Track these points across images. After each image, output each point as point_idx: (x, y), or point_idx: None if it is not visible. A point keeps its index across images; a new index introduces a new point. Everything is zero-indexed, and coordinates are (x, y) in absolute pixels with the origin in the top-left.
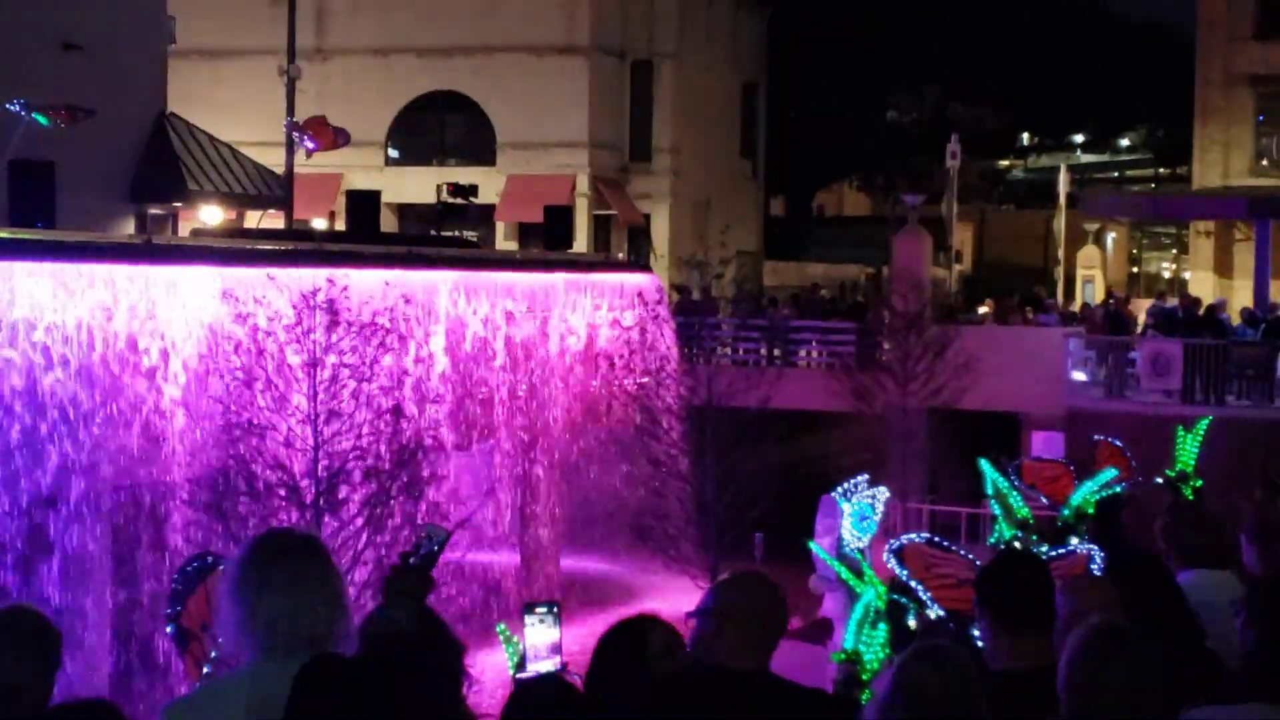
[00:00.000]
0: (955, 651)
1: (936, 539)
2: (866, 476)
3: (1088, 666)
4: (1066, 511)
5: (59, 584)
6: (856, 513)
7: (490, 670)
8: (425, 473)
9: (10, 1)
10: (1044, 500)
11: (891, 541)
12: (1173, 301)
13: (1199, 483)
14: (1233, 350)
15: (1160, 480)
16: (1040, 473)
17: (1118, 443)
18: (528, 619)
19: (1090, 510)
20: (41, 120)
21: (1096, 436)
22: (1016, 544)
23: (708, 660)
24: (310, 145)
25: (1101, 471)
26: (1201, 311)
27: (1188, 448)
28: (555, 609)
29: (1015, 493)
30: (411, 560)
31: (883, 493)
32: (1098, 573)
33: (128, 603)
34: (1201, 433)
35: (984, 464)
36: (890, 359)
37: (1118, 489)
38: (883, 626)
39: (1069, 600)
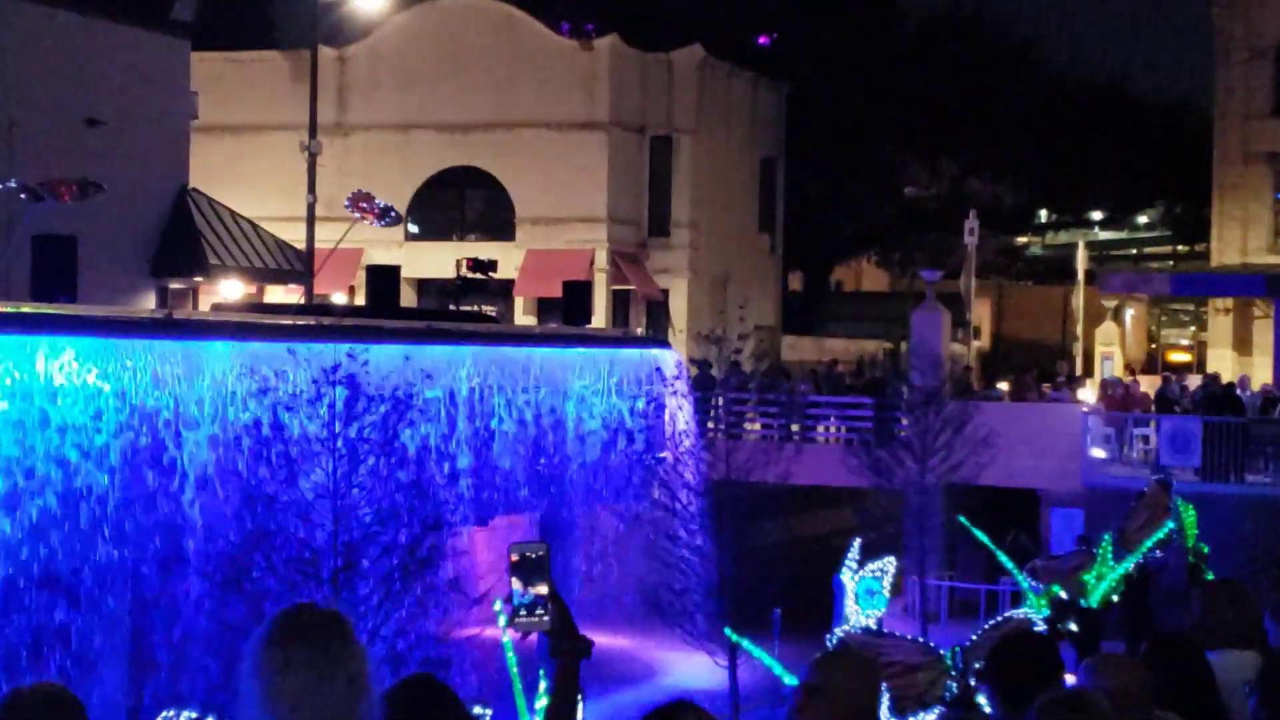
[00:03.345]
0: None
1: (882, 628)
2: (858, 545)
3: None
4: (1096, 597)
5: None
6: (863, 588)
7: None
8: (443, 548)
9: (34, 77)
10: (1064, 597)
11: (832, 635)
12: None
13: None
14: (1252, 428)
15: (1188, 559)
16: (1057, 570)
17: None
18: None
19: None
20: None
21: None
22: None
23: None
24: (376, 223)
25: (1129, 557)
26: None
27: (1189, 523)
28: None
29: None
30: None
31: (890, 564)
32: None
33: (144, 676)
34: (1189, 510)
35: (991, 545)
36: (909, 434)
37: (1157, 553)
38: None
39: (1094, 680)
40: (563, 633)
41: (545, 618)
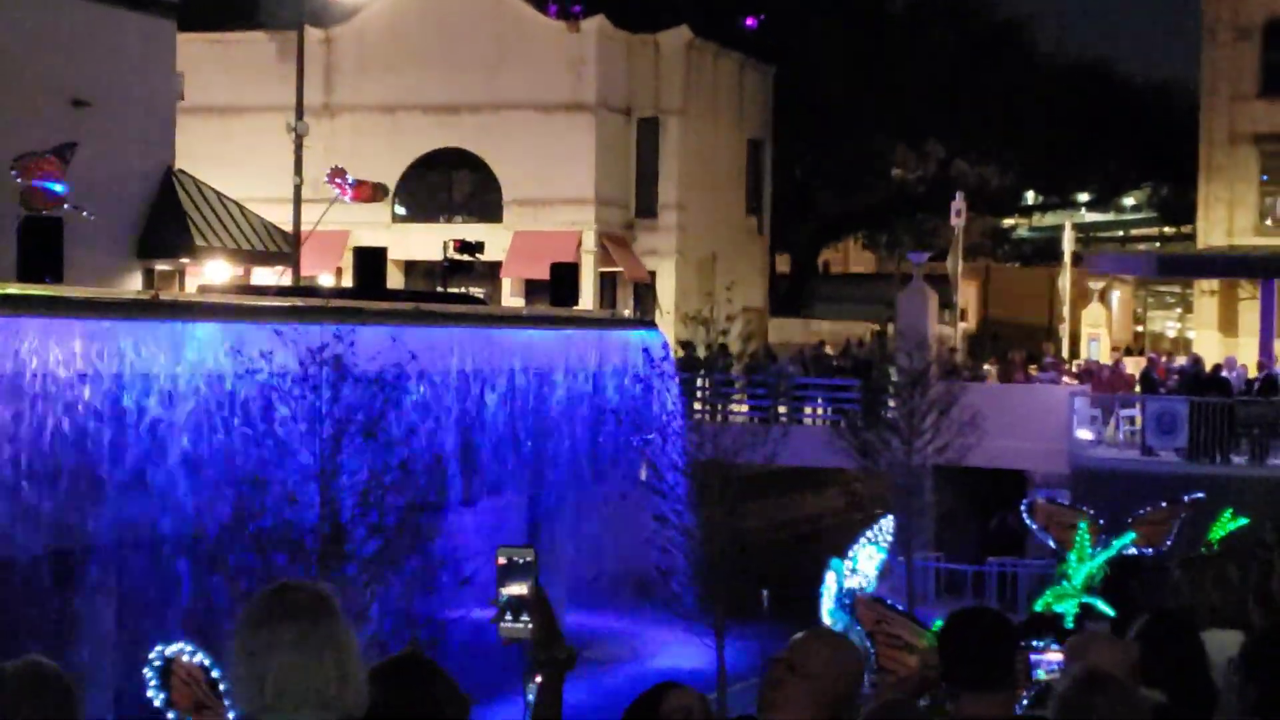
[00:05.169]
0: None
1: (889, 601)
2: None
3: (1069, 713)
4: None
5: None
6: (846, 568)
7: None
8: (430, 529)
9: (19, 58)
10: (1051, 544)
11: (845, 591)
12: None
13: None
14: (1238, 409)
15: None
16: (1055, 517)
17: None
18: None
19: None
20: (56, 188)
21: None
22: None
23: (768, 714)
24: (348, 196)
25: (1116, 541)
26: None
27: (1220, 524)
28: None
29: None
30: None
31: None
32: None
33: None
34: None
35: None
36: (896, 416)
37: (1133, 550)
38: None
39: (1072, 661)
40: (543, 642)
41: (529, 626)
